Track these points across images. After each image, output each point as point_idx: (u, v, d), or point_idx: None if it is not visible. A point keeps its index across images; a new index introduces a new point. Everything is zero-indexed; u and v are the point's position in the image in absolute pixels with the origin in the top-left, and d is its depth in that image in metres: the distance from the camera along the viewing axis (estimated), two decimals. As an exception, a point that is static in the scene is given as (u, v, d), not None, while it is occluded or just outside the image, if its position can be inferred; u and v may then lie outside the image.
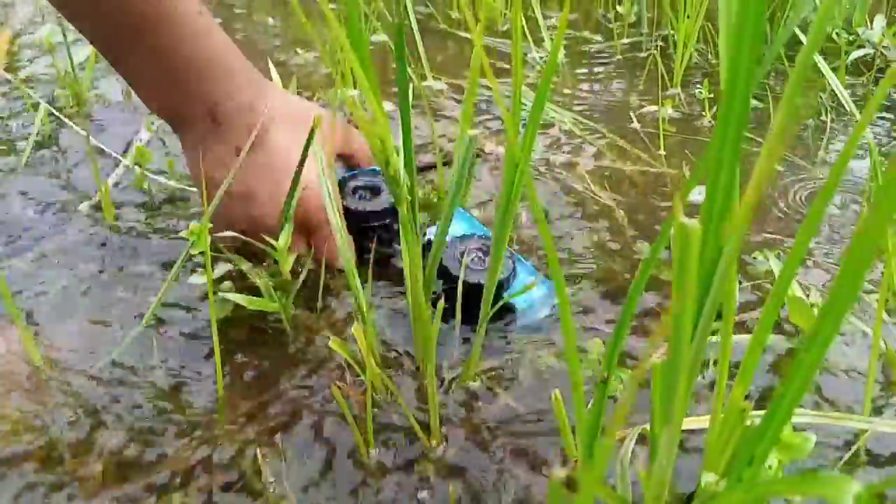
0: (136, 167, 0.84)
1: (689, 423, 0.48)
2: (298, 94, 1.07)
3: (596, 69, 1.29)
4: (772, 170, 0.31)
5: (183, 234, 0.58)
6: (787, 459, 0.42)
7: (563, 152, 0.97)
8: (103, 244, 0.74)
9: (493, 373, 0.59)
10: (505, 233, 0.50)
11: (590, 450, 0.45)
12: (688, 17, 1.07)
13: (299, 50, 1.34)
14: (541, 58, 1.33)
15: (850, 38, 1.31)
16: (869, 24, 1.34)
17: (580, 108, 1.11)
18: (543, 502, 0.49)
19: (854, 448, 0.51)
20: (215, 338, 0.55)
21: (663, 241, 0.35)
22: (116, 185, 0.86)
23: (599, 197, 0.85)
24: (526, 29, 1.39)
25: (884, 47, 1.24)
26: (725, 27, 0.34)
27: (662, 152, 0.96)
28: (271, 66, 0.99)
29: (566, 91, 1.19)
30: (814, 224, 0.32)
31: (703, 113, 1.08)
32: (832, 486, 0.25)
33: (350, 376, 0.58)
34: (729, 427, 0.40)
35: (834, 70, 1.19)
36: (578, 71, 1.28)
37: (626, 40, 1.42)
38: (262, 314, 0.64)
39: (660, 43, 1.39)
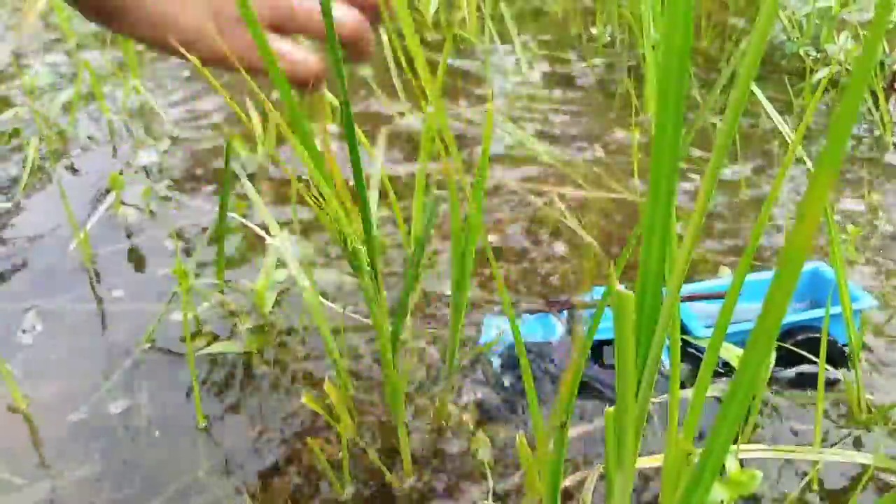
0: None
1: (648, 461, 0.51)
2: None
3: (569, 94, 1.32)
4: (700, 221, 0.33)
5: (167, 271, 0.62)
6: (735, 495, 0.44)
7: (536, 180, 0.99)
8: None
9: (467, 413, 0.61)
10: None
11: (553, 487, 0.47)
12: (653, 47, 1.10)
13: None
14: (517, 81, 1.36)
15: (818, 56, 1.35)
16: (835, 41, 1.37)
17: (554, 133, 1.14)
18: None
19: (807, 479, 0.54)
20: (195, 383, 0.57)
21: (603, 304, 0.38)
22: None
23: (573, 228, 0.87)
24: (501, 49, 1.43)
25: (848, 65, 1.27)
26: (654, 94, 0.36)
27: (636, 180, 0.98)
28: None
29: (537, 115, 1.21)
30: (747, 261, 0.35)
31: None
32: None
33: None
34: (677, 468, 0.43)
35: (800, 90, 1.22)
36: (553, 94, 1.31)
37: (598, 60, 1.45)
38: (247, 356, 0.67)
39: (633, 63, 1.42)
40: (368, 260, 0.45)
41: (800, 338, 0.62)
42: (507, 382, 0.63)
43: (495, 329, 0.68)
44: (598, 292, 0.67)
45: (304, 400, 0.54)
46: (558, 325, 0.67)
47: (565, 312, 0.66)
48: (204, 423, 0.60)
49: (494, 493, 0.54)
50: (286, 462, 0.57)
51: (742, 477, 0.44)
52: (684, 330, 0.63)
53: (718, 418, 0.35)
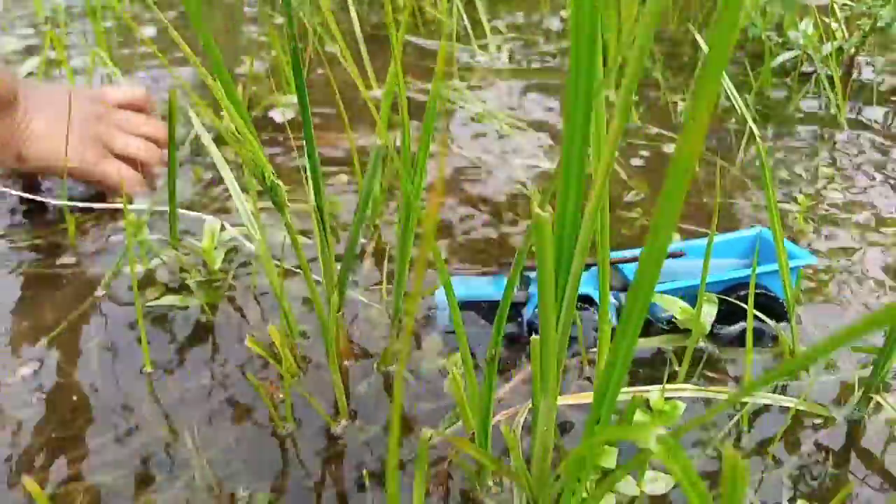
0: None
1: (575, 399, 0.52)
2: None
3: (536, 73, 1.33)
4: (615, 150, 0.35)
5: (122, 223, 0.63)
6: (658, 423, 0.46)
7: (504, 152, 1.01)
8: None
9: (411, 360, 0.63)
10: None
11: (484, 420, 0.49)
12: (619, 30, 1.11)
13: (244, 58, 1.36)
14: (486, 62, 1.37)
15: (781, 41, 1.37)
16: (797, 26, 1.40)
17: (521, 110, 1.16)
18: (445, 464, 0.52)
19: (736, 419, 0.56)
20: (143, 332, 0.58)
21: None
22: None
23: (529, 195, 0.89)
24: (472, 33, 1.44)
25: (808, 50, 1.29)
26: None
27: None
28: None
29: (503, 91, 1.23)
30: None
31: (630, 117, 1.13)
32: (641, 432, 0.29)
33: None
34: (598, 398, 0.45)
35: (759, 73, 1.25)
36: (518, 72, 1.32)
37: (567, 43, 1.46)
38: (197, 309, 0.68)
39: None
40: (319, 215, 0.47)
41: (742, 293, 0.64)
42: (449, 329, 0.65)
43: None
44: None
45: (247, 342, 0.55)
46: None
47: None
48: (150, 368, 0.61)
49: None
50: (229, 403, 0.58)
51: (665, 406, 0.46)
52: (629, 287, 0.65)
53: (611, 351, 0.37)
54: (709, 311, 0.62)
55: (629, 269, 0.66)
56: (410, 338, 0.65)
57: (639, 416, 0.45)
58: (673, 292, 0.64)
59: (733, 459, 0.25)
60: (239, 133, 0.42)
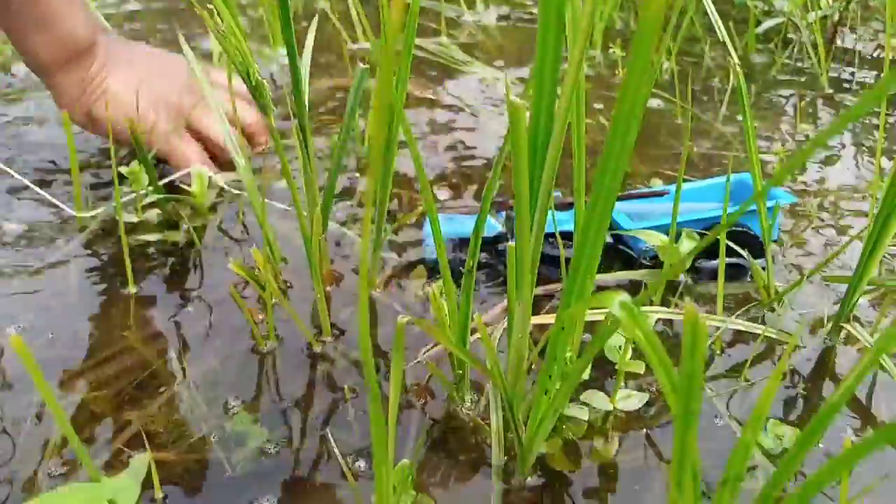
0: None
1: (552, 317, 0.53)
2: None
3: (520, 30, 1.33)
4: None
5: (123, 170, 0.65)
6: (630, 338, 0.47)
7: (483, 98, 1.01)
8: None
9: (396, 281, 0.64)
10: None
11: (462, 333, 0.50)
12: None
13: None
14: (474, 21, 1.37)
15: (766, 8, 1.38)
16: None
17: (505, 61, 1.16)
18: (425, 376, 0.53)
19: (709, 343, 0.57)
20: (127, 262, 0.59)
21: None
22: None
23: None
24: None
25: (793, 17, 1.30)
26: None
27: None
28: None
29: (491, 47, 1.23)
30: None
31: (617, 72, 1.13)
32: (606, 299, 0.30)
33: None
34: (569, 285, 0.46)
35: (745, 41, 1.26)
36: (505, 29, 1.33)
37: None
38: (187, 243, 0.68)
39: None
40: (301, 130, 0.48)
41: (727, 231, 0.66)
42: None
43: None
44: None
45: (230, 265, 0.56)
46: (497, 224, 0.69)
47: (503, 212, 0.68)
48: (133, 289, 0.62)
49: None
50: (214, 325, 0.59)
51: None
52: (615, 226, 0.66)
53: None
54: (689, 246, 0.63)
55: (621, 217, 0.67)
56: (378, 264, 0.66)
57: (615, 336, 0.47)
58: (657, 230, 0.65)
59: (692, 314, 0.26)
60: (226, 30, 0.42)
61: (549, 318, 0.55)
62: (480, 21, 1.37)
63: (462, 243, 0.67)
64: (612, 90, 1.07)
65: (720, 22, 0.65)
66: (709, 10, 0.68)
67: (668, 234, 0.64)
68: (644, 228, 0.64)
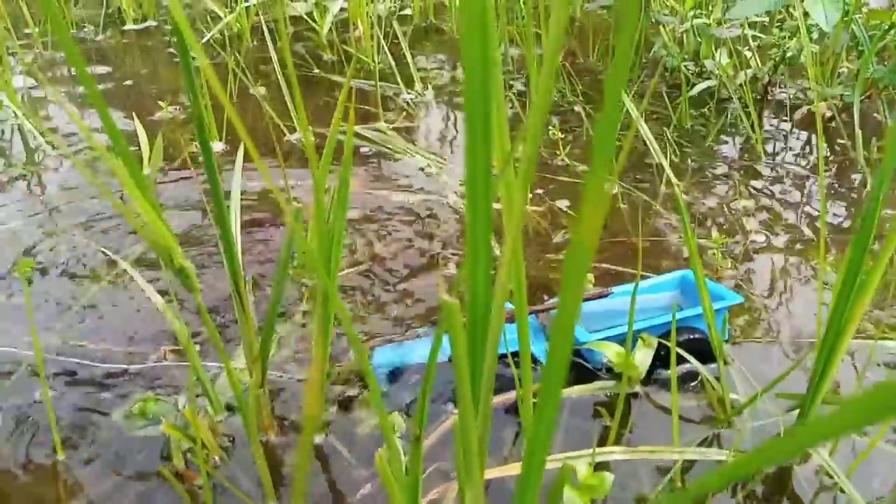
0: None
1: (503, 471, 0.51)
2: (165, 149, 1.07)
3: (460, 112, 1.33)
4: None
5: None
6: (587, 499, 0.45)
7: (424, 192, 1.00)
8: None
9: (337, 428, 0.61)
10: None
11: (412, 501, 0.47)
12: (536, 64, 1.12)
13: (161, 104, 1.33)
14: (412, 99, 1.37)
15: (697, 70, 1.41)
16: (714, 56, 1.44)
17: (450, 149, 1.15)
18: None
19: (669, 475, 0.56)
20: (52, 416, 0.55)
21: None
22: None
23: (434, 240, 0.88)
24: (397, 71, 1.43)
25: (724, 79, 1.33)
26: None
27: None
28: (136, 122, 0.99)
29: (431, 130, 1.23)
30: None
31: (557, 152, 1.13)
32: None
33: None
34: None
35: (678, 104, 1.27)
36: (442, 109, 1.32)
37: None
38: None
39: (523, 78, 1.45)
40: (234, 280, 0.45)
41: (680, 339, 0.65)
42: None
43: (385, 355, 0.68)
44: None
45: (162, 428, 0.53)
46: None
47: None
48: (62, 455, 0.58)
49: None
50: (144, 499, 0.55)
51: (593, 480, 0.45)
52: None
53: (528, 430, 0.36)
54: (645, 356, 0.62)
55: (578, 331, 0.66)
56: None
57: (567, 493, 0.45)
58: (608, 338, 0.64)
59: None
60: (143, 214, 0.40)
61: (503, 472, 0.53)
62: (420, 100, 1.37)
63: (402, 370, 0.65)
64: (549, 171, 1.07)
65: (655, 144, 0.65)
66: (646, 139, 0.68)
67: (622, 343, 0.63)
68: (600, 339, 0.63)
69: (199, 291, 0.45)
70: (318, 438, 0.60)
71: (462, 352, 0.36)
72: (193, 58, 0.43)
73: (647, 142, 0.64)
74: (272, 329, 0.54)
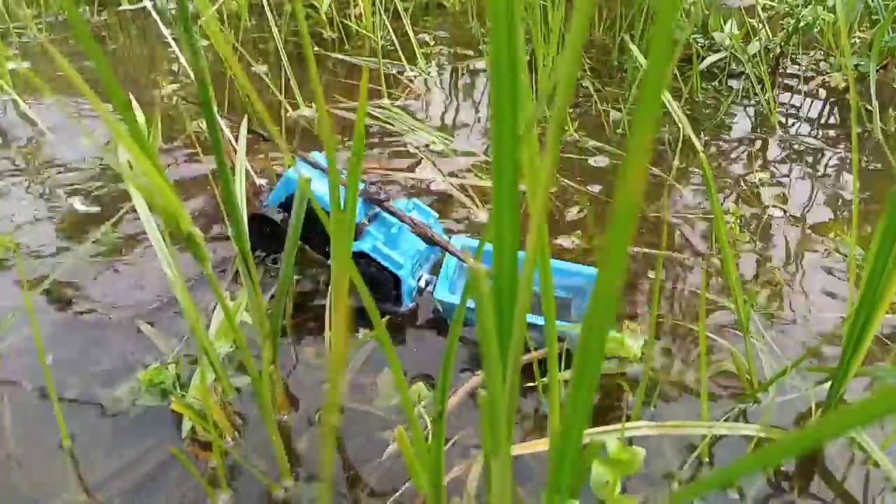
0: None
1: (529, 447, 0.49)
2: (168, 127, 1.04)
3: (468, 96, 1.31)
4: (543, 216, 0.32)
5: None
6: (618, 475, 0.43)
7: (430, 170, 0.98)
8: None
9: (350, 410, 0.59)
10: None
11: (435, 481, 0.45)
12: (544, 41, 1.10)
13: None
14: (415, 76, 1.34)
15: (707, 43, 1.38)
16: (723, 28, 1.40)
17: (454, 126, 1.13)
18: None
19: (696, 452, 0.54)
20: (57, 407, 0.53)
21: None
22: None
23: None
24: (399, 48, 1.40)
25: (735, 51, 1.30)
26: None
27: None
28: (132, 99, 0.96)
29: (437, 112, 1.20)
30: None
31: (566, 127, 1.11)
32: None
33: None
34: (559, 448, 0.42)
35: (688, 77, 1.25)
36: (446, 86, 1.30)
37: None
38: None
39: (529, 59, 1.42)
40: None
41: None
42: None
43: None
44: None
45: (172, 405, 0.51)
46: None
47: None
48: (67, 442, 0.56)
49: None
50: (159, 477, 0.53)
51: (624, 455, 0.43)
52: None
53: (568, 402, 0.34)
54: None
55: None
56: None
57: (597, 468, 0.43)
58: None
59: None
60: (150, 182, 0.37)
61: (531, 448, 0.50)
62: (423, 78, 1.34)
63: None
64: (565, 150, 1.05)
65: (680, 112, 0.62)
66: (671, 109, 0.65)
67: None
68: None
69: (208, 260, 0.42)
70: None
71: (490, 323, 0.34)
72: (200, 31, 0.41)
73: (672, 112, 0.62)
74: (284, 304, 0.51)
